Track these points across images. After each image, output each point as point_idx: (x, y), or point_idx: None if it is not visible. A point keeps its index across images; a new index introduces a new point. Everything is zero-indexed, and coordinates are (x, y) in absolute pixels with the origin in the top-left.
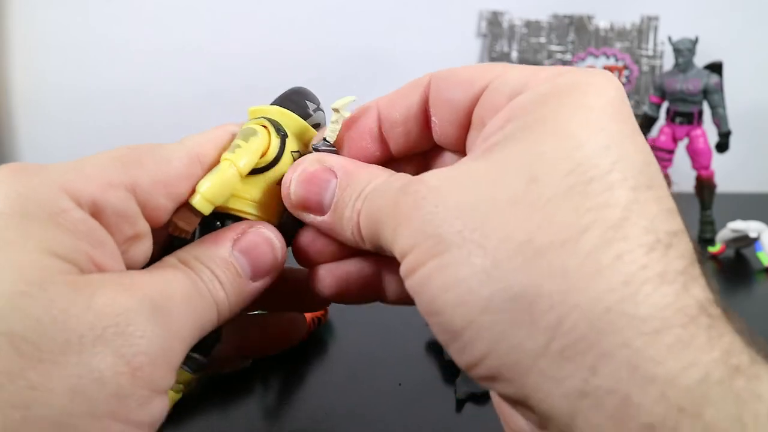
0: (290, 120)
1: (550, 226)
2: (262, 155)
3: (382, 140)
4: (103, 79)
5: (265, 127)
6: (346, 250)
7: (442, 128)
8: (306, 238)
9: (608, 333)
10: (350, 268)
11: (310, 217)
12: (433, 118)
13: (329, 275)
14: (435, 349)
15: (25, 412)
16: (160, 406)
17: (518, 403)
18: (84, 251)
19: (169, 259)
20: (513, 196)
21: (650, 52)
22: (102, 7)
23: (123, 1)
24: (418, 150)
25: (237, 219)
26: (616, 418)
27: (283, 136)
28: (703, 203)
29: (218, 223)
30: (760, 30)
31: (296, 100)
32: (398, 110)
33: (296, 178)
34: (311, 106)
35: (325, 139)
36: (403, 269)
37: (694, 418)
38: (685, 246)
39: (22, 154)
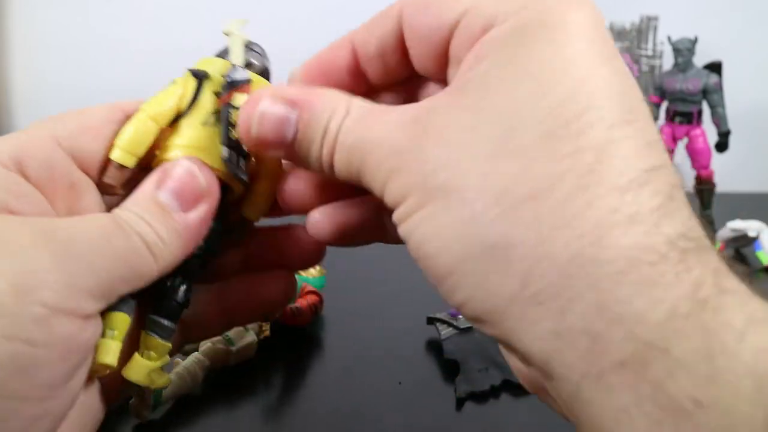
0: (215, 64)
1: (526, 176)
2: (182, 100)
3: (360, 73)
4: (103, 79)
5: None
6: (337, 191)
7: (419, 60)
8: (293, 184)
9: (576, 278)
10: (349, 210)
11: (272, 152)
12: (410, 52)
13: (328, 221)
14: (435, 347)
15: None
16: (64, 328)
17: (503, 344)
18: (2, 200)
19: (92, 215)
20: (492, 147)
21: (650, 52)
22: (102, 7)
23: (123, 1)
24: (398, 79)
25: None
26: (588, 357)
27: (200, 77)
28: (702, 203)
29: None
30: (759, 30)
31: (222, 49)
32: (373, 42)
33: (256, 116)
34: (249, 52)
35: (234, 64)
36: (395, 217)
37: (663, 353)
38: (663, 180)
39: None
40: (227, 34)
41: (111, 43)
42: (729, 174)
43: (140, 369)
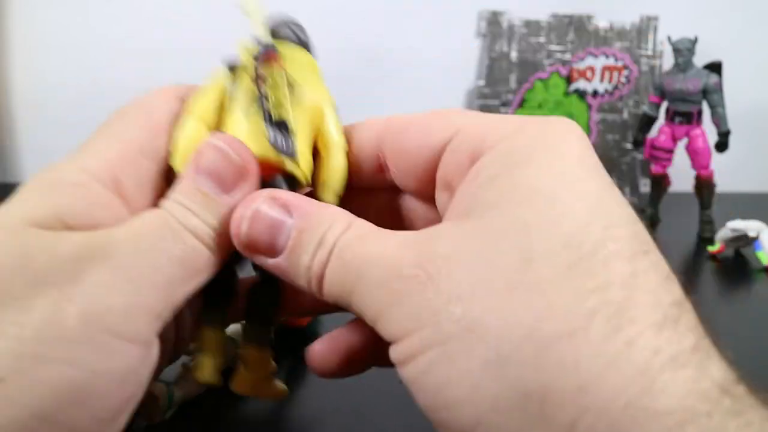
0: (248, 48)
1: (554, 313)
2: (222, 94)
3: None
4: (103, 79)
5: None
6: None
7: (401, 178)
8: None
9: (631, 430)
10: (352, 335)
11: (260, 259)
12: (391, 168)
13: (330, 351)
14: None
15: None
16: (129, 356)
17: None
18: (90, 215)
19: (147, 210)
20: (510, 279)
21: (650, 52)
22: (102, 7)
23: (123, 1)
24: (372, 186)
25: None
26: None
27: (231, 66)
28: (702, 203)
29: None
30: (759, 30)
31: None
32: (351, 148)
33: (247, 216)
34: (281, 28)
35: (255, 38)
36: (395, 354)
37: None
38: (691, 315)
39: (22, 154)
40: (243, 12)
41: (111, 43)
42: (729, 174)
43: (245, 382)
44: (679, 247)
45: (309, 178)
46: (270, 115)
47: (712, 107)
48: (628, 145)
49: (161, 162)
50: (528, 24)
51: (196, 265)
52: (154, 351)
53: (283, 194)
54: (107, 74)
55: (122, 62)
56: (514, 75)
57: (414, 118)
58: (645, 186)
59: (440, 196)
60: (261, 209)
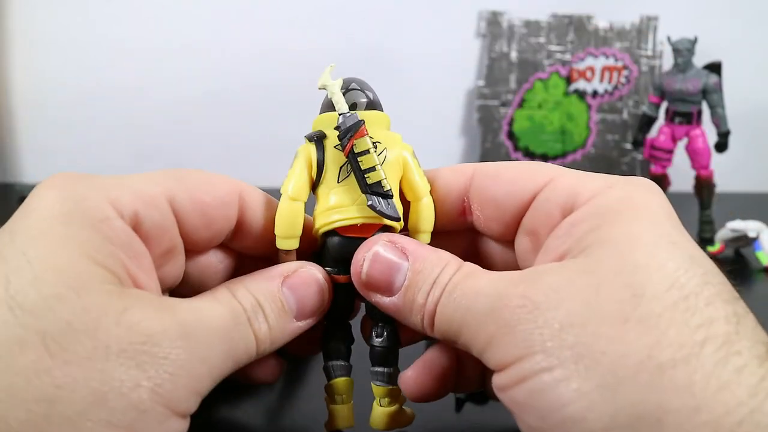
0: (328, 120)
1: (667, 343)
2: (311, 168)
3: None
4: (103, 79)
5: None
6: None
7: (486, 223)
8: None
9: None
10: (441, 358)
11: (377, 297)
12: (476, 212)
13: (422, 376)
14: None
15: (48, 408)
16: (176, 427)
17: None
18: (120, 260)
19: (220, 289)
20: (622, 311)
21: (649, 52)
22: (102, 6)
23: (123, 1)
24: (451, 229)
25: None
26: None
27: (316, 139)
28: (702, 203)
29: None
30: (759, 30)
31: (326, 102)
32: (436, 193)
33: (368, 257)
34: (351, 93)
35: (340, 114)
36: (502, 380)
37: None
38: None
39: (22, 154)
40: (323, 88)
41: (111, 43)
42: (729, 174)
43: (381, 416)
44: None
45: (402, 225)
46: (366, 182)
47: (711, 107)
48: (628, 146)
49: (184, 220)
50: (528, 24)
51: (244, 360)
52: (188, 422)
53: (401, 239)
54: (107, 74)
55: (122, 62)
56: (514, 75)
57: (504, 168)
58: None
59: (521, 241)
60: (380, 251)
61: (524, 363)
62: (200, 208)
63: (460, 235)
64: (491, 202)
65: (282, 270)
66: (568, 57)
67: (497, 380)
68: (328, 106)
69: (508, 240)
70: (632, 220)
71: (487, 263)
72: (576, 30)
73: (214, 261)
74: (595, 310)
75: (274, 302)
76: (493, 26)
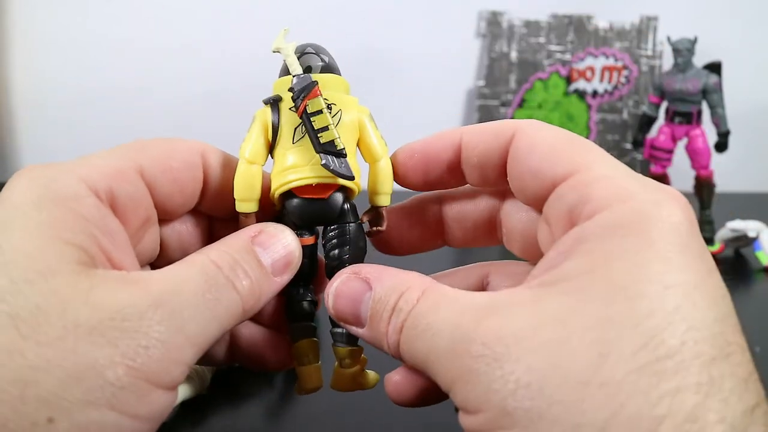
0: (283, 83)
1: (624, 417)
2: (267, 131)
3: (459, 172)
4: (103, 79)
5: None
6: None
7: (515, 189)
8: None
9: None
10: (418, 373)
11: (353, 329)
12: (510, 180)
13: (408, 384)
14: None
15: (23, 389)
16: (162, 400)
17: None
18: (93, 237)
19: (194, 254)
20: (583, 373)
21: (649, 52)
22: (102, 6)
23: (123, 1)
24: (494, 188)
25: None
26: None
27: (272, 102)
28: (702, 203)
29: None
30: (759, 30)
31: (284, 67)
32: (476, 154)
33: (331, 292)
34: (306, 56)
35: (294, 76)
36: (464, 421)
37: None
38: (763, 421)
39: (22, 154)
40: (277, 51)
41: (111, 43)
42: (729, 174)
43: (341, 378)
44: None
45: (360, 187)
46: (319, 141)
47: (711, 107)
48: (628, 145)
49: (158, 194)
50: (528, 24)
51: (231, 322)
52: (177, 393)
53: (364, 268)
54: (107, 74)
55: (122, 62)
56: (514, 75)
57: (540, 141)
58: None
59: (542, 227)
60: (343, 284)
61: (479, 417)
62: (170, 175)
63: (495, 194)
64: (519, 178)
65: (248, 232)
66: (568, 57)
67: (461, 419)
68: (285, 71)
69: (539, 207)
70: (630, 251)
71: (511, 230)
72: (576, 30)
73: (189, 227)
74: (557, 370)
75: (250, 256)
76: (493, 26)
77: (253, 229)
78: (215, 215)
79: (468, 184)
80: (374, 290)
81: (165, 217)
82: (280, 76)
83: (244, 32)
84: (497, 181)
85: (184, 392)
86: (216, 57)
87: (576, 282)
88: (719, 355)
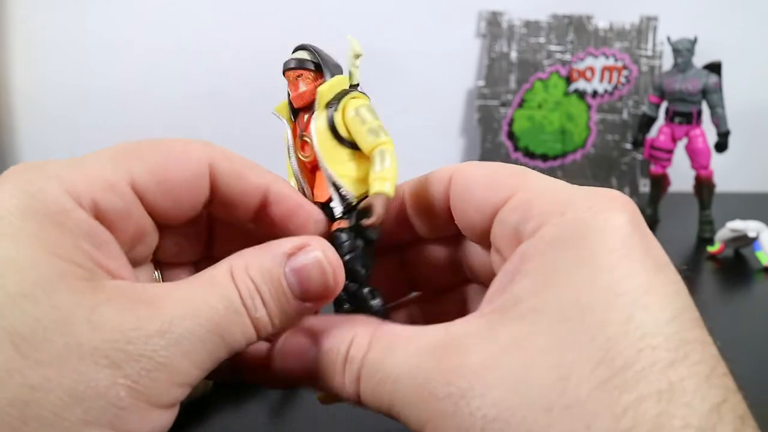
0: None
1: None
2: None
3: (408, 223)
4: (103, 79)
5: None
6: None
7: (463, 227)
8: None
9: None
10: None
11: (309, 385)
12: (455, 216)
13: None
14: None
15: (23, 409)
16: (163, 418)
17: None
18: (86, 252)
19: (220, 268)
20: (546, 399)
21: (649, 52)
22: (103, 7)
23: (124, 2)
24: (443, 235)
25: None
26: None
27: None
28: (702, 203)
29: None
30: (759, 30)
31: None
32: (421, 201)
33: (276, 354)
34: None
35: (352, 85)
36: None
37: None
38: (730, 417)
39: (22, 154)
40: (359, 56)
41: (111, 43)
42: (729, 174)
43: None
44: (679, 247)
45: (360, 194)
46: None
47: (711, 107)
48: (628, 146)
49: (152, 207)
50: (528, 24)
51: (242, 346)
52: (177, 408)
53: (308, 320)
54: (107, 74)
55: (122, 62)
56: (514, 75)
57: (476, 174)
58: (645, 186)
59: (495, 257)
60: (287, 343)
61: None
62: (166, 188)
63: (450, 239)
64: (462, 214)
65: (285, 247)
66: (568, 57)
67: None
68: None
69: (487, 246)
70: (575, 267)
71: (474, 268)
72: (576, 30)
73: (189, 231)
74: (521, 398)
75: (273, 285)
76: (493, 26)
77: (294, 243)
78: (222, 220)
79: (421, 236)
80: (320, 343)
81: (162, 223)
82: (333, 74)
83: (244, 32)
84: (446, 226)
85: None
86: (216, 57)
87: (527, 304)
88: (677, 358)
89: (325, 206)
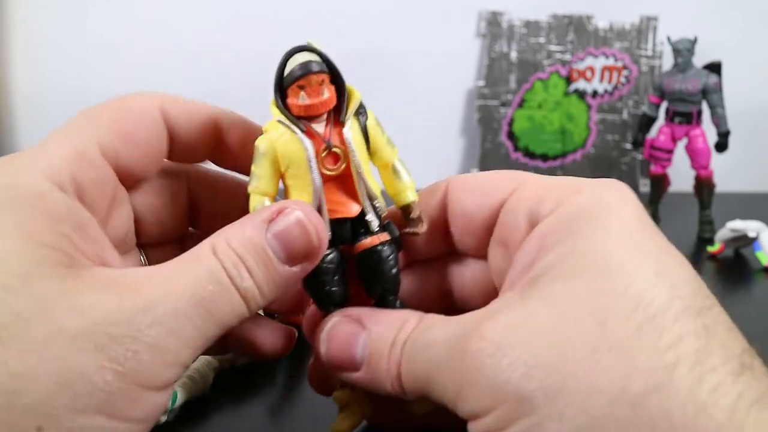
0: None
1: (638, 371)
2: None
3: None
4: (103, 79)
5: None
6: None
7: (460, 238)
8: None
9: None
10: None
11: (347, 376)
12: (451, 228)
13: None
14: None
15: (9, 399)
16: (153, 403)
17: None
18: (66, 235)
19: (203, 246)
20: (588, 343)
21: (649, 52)
22: (103, 7)
23: (124, 2)
24: (439, 255)
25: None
26: None
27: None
28: (702, 203)
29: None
30: (759, 30)
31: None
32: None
33: (323, 338)
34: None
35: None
36: (478, 429)
37: None
38: (759, 360)
39: None
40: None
41: (112, 43)
42: (729, 174)
43: (346, 425)
44: (679, 247)
45: (383, 204)
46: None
47: (711, 107)
48: (628, 146)
49: (122, 166)
50: (528, 24)
51: (233, 321)
52: (172, 389)
53: (355, 311)
54: (107, 74)
55: (122, 62)
56: (514, 75)
57: (474, 178)
58: (645, 186)
59: (494, 253)
60: (336, 328)
61: (496, 413)
62: (130, 145)
63: (440, 261)
64: (462, 216)
65: (265, 214)
66: (568, 57)
67: (473, 428)
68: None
69: (483, 255)
70: (598, 231)
71: (465, 285)
72: (576, 30)
73: (163, 194)
74: (561, 346)
75: (256, 253)
76: (493, 26)
77: (272, 209)
78: (189, 162)
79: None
80: (370, 330)
81: (132, 182)
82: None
83: (244, 32)
84: (438, 240)
85: (186, 393)
86: (216, 57)
87: (556, 271)
88: (705, 306)
89: (345, 221)
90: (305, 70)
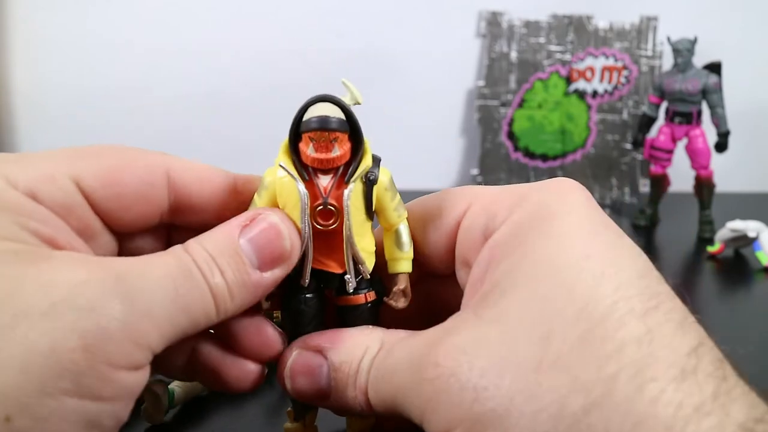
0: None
1: (579, 386)
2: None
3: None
4: (103, 79)
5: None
6: None
7: (427, 261)
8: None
9: None
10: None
11: (319, 403)
12: (418, 254)
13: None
14: None
15: None
16: (124, 382)
17: None
18: (27, 227)
19: (173, 247)
20: (532, 359)
21: (649, 53)
22: (103, 7)
23: (124, 2)
24: (448, 273)
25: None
26: None
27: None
28: (702, 203)
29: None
30: (760, 30)
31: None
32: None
33: (287, 374)
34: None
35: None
36: None
37: None
38: (709, 357)
39: None
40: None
41: (112, 43)
42: (728, 174)
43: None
44: (679, 247)
45: (371, 265)
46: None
47: (711, 107)
48: (628, 146)
49: (101, 206)
50: (528, 24)
51: (197, 322)
52: (146, 372)
53: (314, 338)
54: (107, 74)
55: (122, 62)
56: (514, 75)
57: (428, 204)
58: (645, 186)
59: (460, 274)
60: (297, 363)
61: (458, 431)
62: (114, 192)
63: (420, 280)
64: (424, 241)
65: (239, 220)
66: (568, 57)
67: None
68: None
69: (452, 275)
70: (542, 238)
71: (442, 303)
72: (576, 30)
73: (150, 241)
74: (508, 364)
75: (229, 255)
76: (493, 26)
77: (247, 215)
78: (190, 228)
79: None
80: (330, 359)
81: (119, 230)
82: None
83: (244, 32)
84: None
85: (184, 393)
86: (216, 57)
87: (505, 283)
88: (651, 306)
89: (329, 275)
90: (320, 125)
